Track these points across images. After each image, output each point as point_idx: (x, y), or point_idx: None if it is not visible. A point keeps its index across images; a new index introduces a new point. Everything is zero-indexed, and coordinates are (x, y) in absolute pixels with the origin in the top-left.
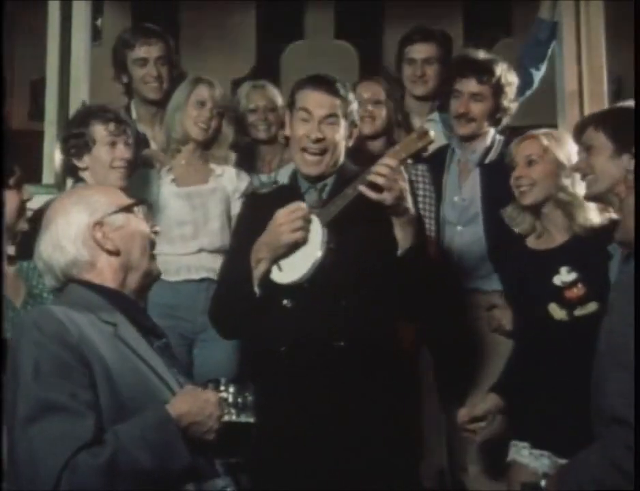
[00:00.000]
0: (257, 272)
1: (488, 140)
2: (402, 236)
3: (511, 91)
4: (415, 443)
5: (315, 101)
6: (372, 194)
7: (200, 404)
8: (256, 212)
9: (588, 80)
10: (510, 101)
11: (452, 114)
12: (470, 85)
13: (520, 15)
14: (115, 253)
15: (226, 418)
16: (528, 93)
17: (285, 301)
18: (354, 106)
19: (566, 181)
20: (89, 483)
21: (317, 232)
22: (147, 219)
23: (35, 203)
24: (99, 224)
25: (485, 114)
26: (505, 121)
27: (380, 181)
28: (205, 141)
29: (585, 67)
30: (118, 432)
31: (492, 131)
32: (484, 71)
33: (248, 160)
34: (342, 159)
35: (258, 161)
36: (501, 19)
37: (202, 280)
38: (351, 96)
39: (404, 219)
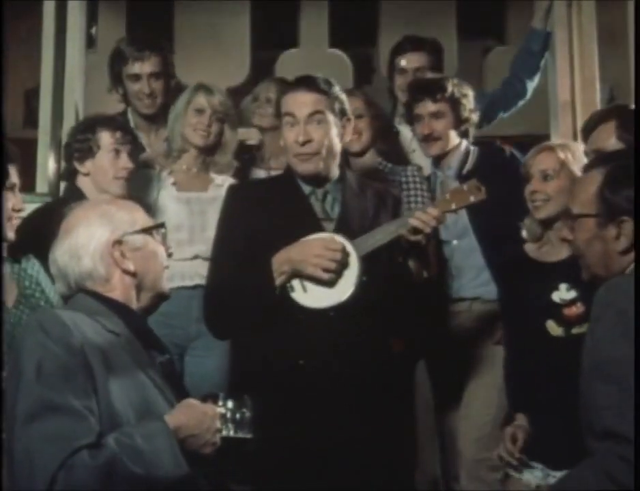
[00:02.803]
0: (277, 282)
1: (462, 152)
2: (414, 265)
3: (468, 101)
4: (409, 453)
5: (297, 102)
6: (411, 237)
7: (198, 417)
8: (247, 203)
9: (581, 90)
10: (470, 112)
11: (418, 139)
12: (427, 106)
13: (514, 23)
14: (131, 273)
15: (223, 433)
16: (521, 103)
17: (303, 318)
18: (342, 99)
19: None
20: (84, 484)
21: (353, 268)
22: (163, 242)
23: (28, 211)
24: (118, 242)
25: (448, 130)
26: (472, 130)
27: (427, 230)
28: (206, 147)
29: (577, 77)
30: (116, 438)
31: (463, 143)
32: (435, 89)
33: (246, 163)
34: (338, 158)
35: (257, 160)
36: (495, 27)
37: (195, 287)
38: (335, 90)
39: (423, 253)
